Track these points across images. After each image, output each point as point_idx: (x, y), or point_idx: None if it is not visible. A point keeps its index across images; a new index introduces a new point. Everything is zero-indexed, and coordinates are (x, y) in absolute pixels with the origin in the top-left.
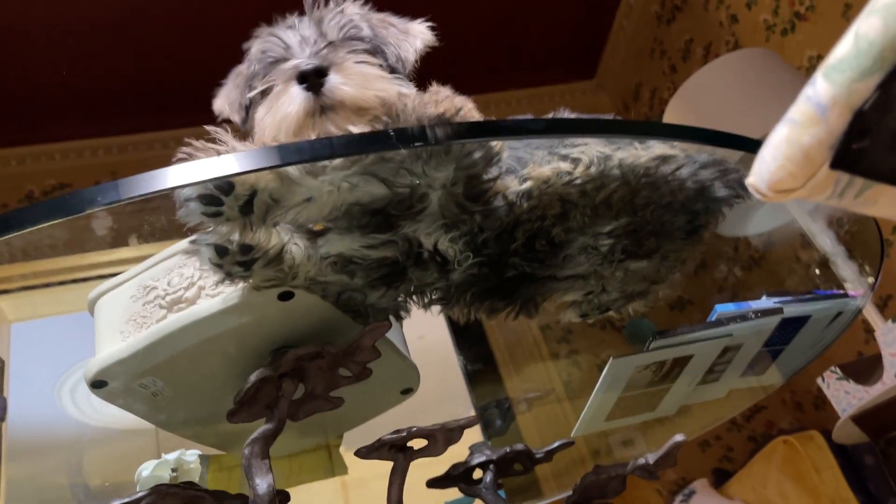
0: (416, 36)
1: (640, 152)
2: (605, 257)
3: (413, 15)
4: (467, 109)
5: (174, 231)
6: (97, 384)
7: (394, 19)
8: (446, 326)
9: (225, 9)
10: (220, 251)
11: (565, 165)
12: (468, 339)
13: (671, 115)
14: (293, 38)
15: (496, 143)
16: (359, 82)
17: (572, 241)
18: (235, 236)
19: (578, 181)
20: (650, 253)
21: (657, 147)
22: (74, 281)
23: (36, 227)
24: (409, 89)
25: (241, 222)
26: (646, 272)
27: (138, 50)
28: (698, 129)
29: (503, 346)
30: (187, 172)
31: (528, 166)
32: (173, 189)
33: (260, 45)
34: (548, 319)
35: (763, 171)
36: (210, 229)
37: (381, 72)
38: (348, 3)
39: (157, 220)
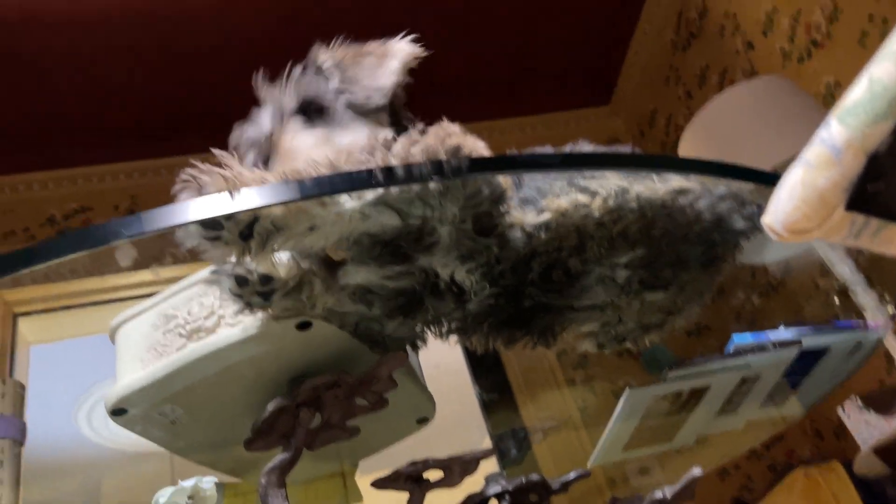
0: (393, 56)
1: (658, 185)
2: (621, 288)
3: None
4: (480, 147)
5: (194, 260)
6: (117, 412)
7: (372, 45)
8: (462, 354)
9: (242, 38)
10: (241, 281)
11: (583, 198)
12: (484, 367)
13: (688, 142)
14: (265, 117)
15: (503, 181)
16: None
17: (589, 272)
18: (255, 266)
19: (596, 214)
20: (667, 284)
21: (674, 180)
22: (93, 304)
23: (61, 260)
24: (376, 130)
25: (240, 247)
26: (662, 303)
27: (158, 77)
28: (713, 162)
29: (519, 373)
30: (206, 206)
31: (546, 197)
32: (193, 223)
33: (245, 126)
34: (560, 347)
35: (779, 211)
36: (208, 251)
37: (316, 138)
38: (322, 51)
39: (178, 250)
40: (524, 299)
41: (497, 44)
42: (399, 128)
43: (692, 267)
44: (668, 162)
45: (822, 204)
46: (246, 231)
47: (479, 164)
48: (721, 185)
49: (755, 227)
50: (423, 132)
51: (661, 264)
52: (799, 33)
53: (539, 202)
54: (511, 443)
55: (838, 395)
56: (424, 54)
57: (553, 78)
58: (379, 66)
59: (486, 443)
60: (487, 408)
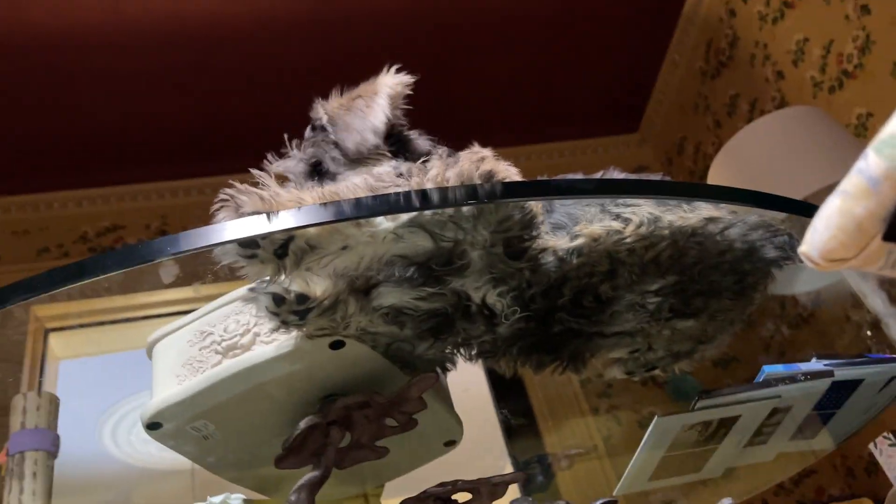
0: (380, 92)
1: (689, 214)
2: (652, 315)
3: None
4: (512, 173)
5: (232, 277)
6: (152, 426)
7: (362, 86)
8: (485, 379)
9: (274, 62)
10: (278, 300)
11: (616, 224)
12: (508, 393)
13: (717, 171)
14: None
15: (534, 206)
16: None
17: (620, 298)
18: (292, 286)
19: (629, 240)
20: (697, 312)
21: (705, 209)
22: (121, 321)
23: (107, 276)
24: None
25: (275, 266)
26: (692, 331)
27: (191, 99)
28: (747, 191)
29: (542, 400)
30: (243, 226)
31: (579, 223)
32: (230, 243)
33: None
34: (589, 373)
35: (816, 240)
36: (244, 269)
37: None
38: (319, 107)
39: (218, 268)
40: (554, 324)
41: (527, 70)
42: (412, 154)
43: (723, 296)
44: (702, 190)
45: (860, 233)
46: (281, 250)
47: (512, 189)
48: (753, 215)
49: (788, 256)
50: (451, 155)
51: (693, 292)
52: (830, 63)
53: (571, 227)
54: (536, 469)
55: (870, 430)
56: (411, 81)
57: (582, 105)
58: (368, 106)
59: (508, 469)
60: (510, 433)
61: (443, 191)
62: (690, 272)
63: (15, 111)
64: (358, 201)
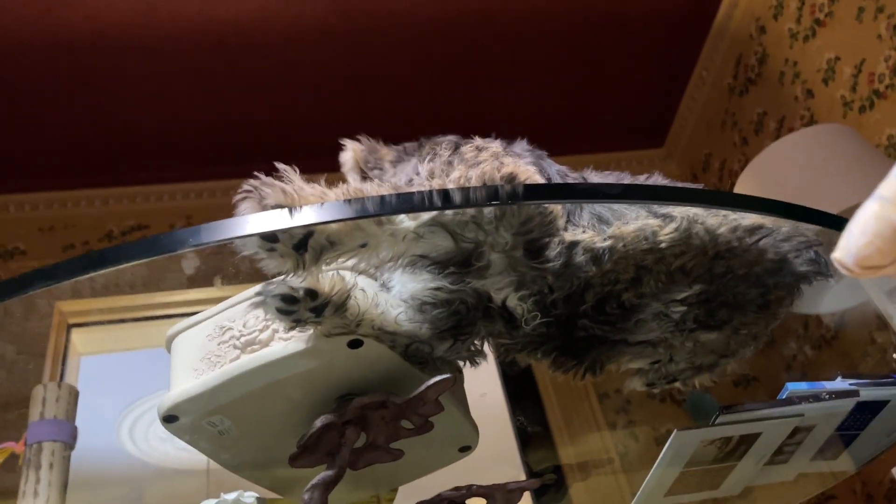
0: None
1: (729, 219)
2: (676, 325)
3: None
4: (533, 174)
5: (255, 274)
6: (169, 419)
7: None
8: (500, 386)
9: (306, 70)
10: (289, 299)
11: (654, 222)
12: (523, 402)
13: (742, 186)
14: None
15: (554, 209)
16: None
17: (645, 307)
18: (299, 283)
19: (663, 244)
20: (721, 324)
21: (748, 217)
22: (143, 319)
23: (130, 264)
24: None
25: (294, 260)
26: (715, 344)
27: (220, 102)
28: (779, 202)
29: (558, 413)
30: (264, 219)
31: (620, 219)
32: (252, 236)
33: None
34: (607, 388)
35: (851, 246)
36: (264, 261)
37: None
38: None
39: (241, 263)
40: (577, 330)
41: (554, 82)
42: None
43: (748, 309)
44: (733, 199)
45: None
46: (300, 244)
47: (534, 192)
48: (785, 226)
49: (819, 270)
50: (455, 148)
51: (718, 304)
52: (861, 83)
53: (613, 222)
54: (551, 479)
55: (892, 455)
56: (365, 147)
57: (608, 118)
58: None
59: (521, 478)
60: (524, 443)
61: (464, 191)
62: (719, 282)
63: (46, 110)
64: (382, 199)
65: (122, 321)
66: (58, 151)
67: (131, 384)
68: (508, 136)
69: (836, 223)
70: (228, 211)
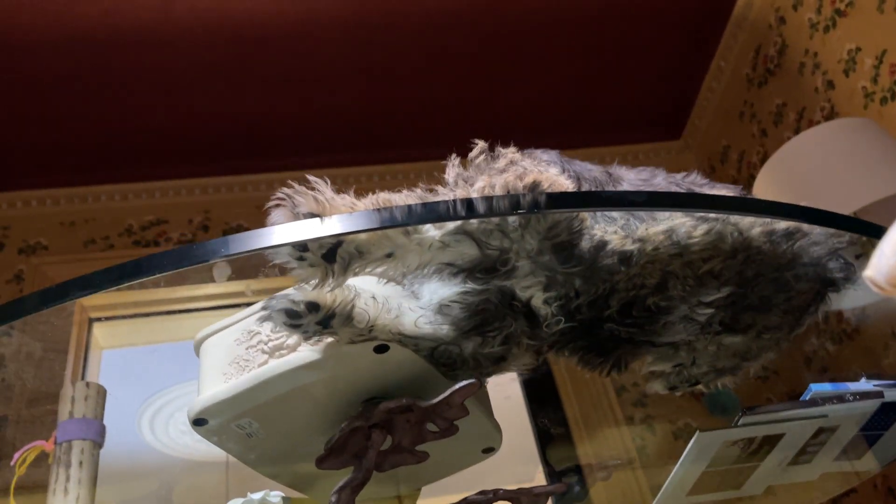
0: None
1: (760, 221)
2: (702, 328)
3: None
4: (560, 182)
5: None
6: (199, 422)
7: None
8: (520, 387)
9: (319, 65)
10: (292, 314)
11: (687, 222)
12: (543, 402)
13: (763, 181)
14: None
15: (581, 214)
16: None
17: (673, 309)
18: (300, 297)
19: (694, 246)
20: (746, 328)
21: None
22: (163, 313)
23: (164, 274)
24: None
25: (324, 270)
26: (738, 347)
27: (237, 98)
28: (813, 209)
29: (577, 409)
30: (294, 228)
31: (655, 215)
32: (282, 245)
33: None
34: (624, 381)
35: (882, 265)
36: (295, 270)
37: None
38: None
39: (271, 268)
40: (603, 331)
41: (571, 73)
42: None
43: (774, 313)
44: (765, 207)
45: None
46: (329, 254)
47: (557, 200)
48: (815, 231)
49: (846, 278)
50: (492, 159)
51: (744, 307)
52: (883, 74)
53: (644, 219)
54: (574, 480)
55: None
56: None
57: (625, 110)
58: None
59: (539, 478)
60: (543, 441)
61: (488, 200)
62: (747, 286)
63: (66, 106)
64: (409, 208)
65: (144, 315)
66: (78, 147)
67: (152, 377)
68: (524, 129)
69: (872, 231)
70: (246, 206)
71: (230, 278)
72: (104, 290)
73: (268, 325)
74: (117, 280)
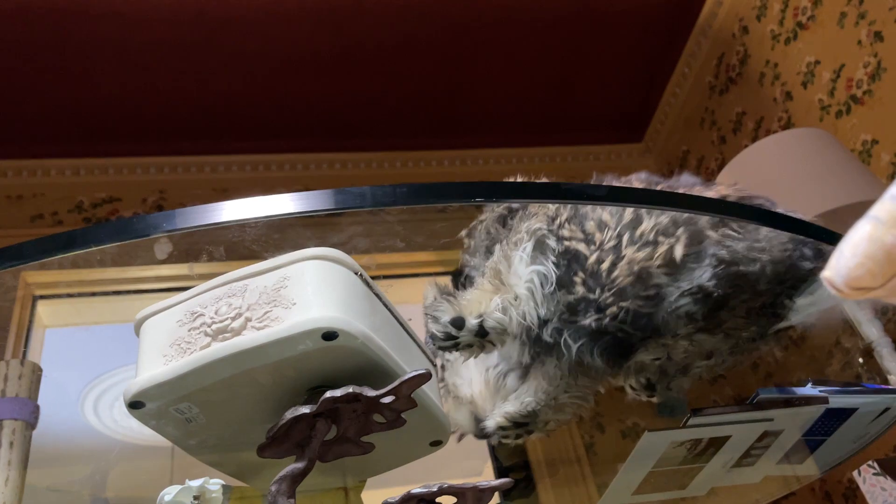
0: None
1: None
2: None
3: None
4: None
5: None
6: (135, 404)
7: None
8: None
9: (284, 45)
10: (458, 323)
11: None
12: None
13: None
14: None
15: None
16: None
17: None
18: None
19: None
20: (717, 326)
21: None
22: (111, 293)
23: (99, 248)
24: None
25: (479, 343)
26: (704, 347)
27: (198, 77)
28: (773, 213)
29: None
30: (244, 208)
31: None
32: (227, 224)
33: None
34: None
35: (841, 266)
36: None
37: None
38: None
39: (214, 249)
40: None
41: (537, 72)
42: None
43: (737, 313)
44: (728, 208)
45: (889, 262)
46: (480, 332)
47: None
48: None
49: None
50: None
51: (714, 304)
52: (839, 88)
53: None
54: (522, 475)
55: (854, 457)
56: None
57: (589, 112)
58: None
59: (488, 472)
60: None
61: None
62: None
63: (18, 75)
64: None
65: (91, 294)
66: (29, 118)
67: (98, 358)
68: (490, 123)
69: (830, 237)
70: (203, 187)
71: (171, 255)
72: (33, 261)
73: (212, 308)
74: (50, 252)
